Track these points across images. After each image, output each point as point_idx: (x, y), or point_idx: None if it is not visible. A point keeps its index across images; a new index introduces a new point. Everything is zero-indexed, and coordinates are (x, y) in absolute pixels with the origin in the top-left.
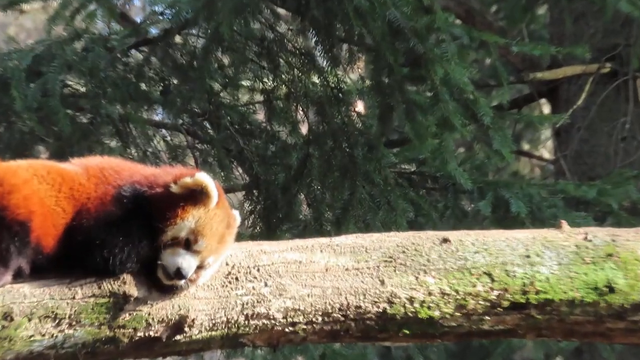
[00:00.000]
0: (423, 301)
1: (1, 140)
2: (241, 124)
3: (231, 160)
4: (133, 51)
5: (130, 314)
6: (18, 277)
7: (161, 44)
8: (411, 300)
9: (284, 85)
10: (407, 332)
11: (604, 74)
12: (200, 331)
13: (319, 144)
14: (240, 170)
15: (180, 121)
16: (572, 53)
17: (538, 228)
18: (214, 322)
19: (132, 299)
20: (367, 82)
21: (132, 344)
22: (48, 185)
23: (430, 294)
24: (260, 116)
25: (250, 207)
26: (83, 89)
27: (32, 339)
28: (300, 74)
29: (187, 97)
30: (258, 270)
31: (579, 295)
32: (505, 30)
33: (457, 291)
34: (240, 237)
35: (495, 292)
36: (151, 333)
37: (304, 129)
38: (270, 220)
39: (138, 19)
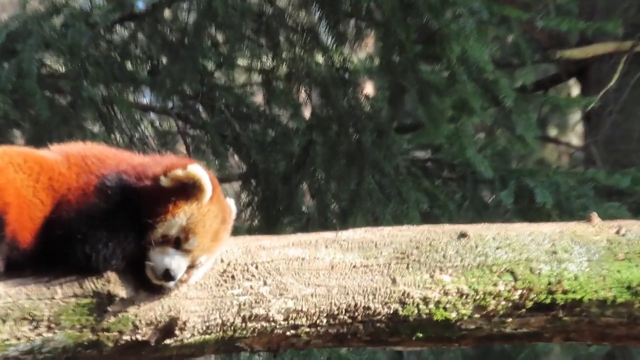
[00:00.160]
0: (439, 301)
1: None
2: (237, 107)
3: (226, 147)
4: (118, 27)
5: (115, 316)
6: None
7: (149, 19)
8: (425, 300)
9: (284, 65)
10: (421, 335)
11: (639, 52)
12: (193, 334)
13: (323, 129)
14: (237, 158)
15: (170, 104)
16: (603, 29)
17: (566, 221)
18: (207, 324)
19: (117, 299)
20: (376, 61)
21: (118, 348)
22: (25, 175)
23: (446, 293)
24: (259, 99)
25: (247, 199)
26: (62, 69)
27: (6, 343)
28: (302, 53)
29: (177, 78)
30: (256, 267)
31: (611, 294)
32: (529, 4)
33: (476, 290)
34: (237, 231)
35: (519, 292)
36: (138, 336)
37: (306, 113)
38: (269, 212)
39: None
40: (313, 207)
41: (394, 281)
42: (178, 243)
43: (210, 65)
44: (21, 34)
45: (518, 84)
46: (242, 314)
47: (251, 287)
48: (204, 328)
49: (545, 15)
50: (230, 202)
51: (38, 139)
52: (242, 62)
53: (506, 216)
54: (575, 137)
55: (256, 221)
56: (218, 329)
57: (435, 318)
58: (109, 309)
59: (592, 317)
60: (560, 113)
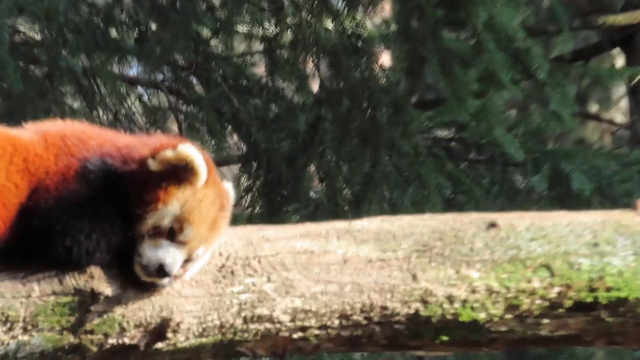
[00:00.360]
0: (465, 300)
1: None
2: (236, 80)
3: (224, 124)
4: None
5: (99, 316)
6: None
7: None
8: (450, 299)
9: (289, 31)
10: (446, 338)
11: None
12: (187, 337)
13: (332, 104)
14: (236, 138)
15: (160, 76)
16: None
17: (608, 209)
18: (204, 326)
19: (101, 297)
20: (393, 27)
21: (102, 353)
22: None
23: (474, 291)
24: (260, 70)
25: (248, 183)
26: (38, 36)
27: None
28: (309, 17)
29: (168, 47)
30: (259, 261)
31: None
32: None
33: (507, 288)
34: (236, 220)
35: (556, 289)
36: (126, 340)
37: (314, 86)
38: (272, 199)
39: None
40: (322, 192)
41: (414, 277)
42: (172, 234)
43: (205, 32)
44: None
45: (553, 54)
46: (243, 315)
47: (253, 284)
48: (200, 330)
49: None
50: (228, 186)
51: (10, 116)
52: (241, 28)
53: (540, 204)
54: (619, 114)
55: (257, 209)
56: (216, 331)
57: (461, 319)
58: (93, 308)
59: (639, 318)
60: (602, 86)
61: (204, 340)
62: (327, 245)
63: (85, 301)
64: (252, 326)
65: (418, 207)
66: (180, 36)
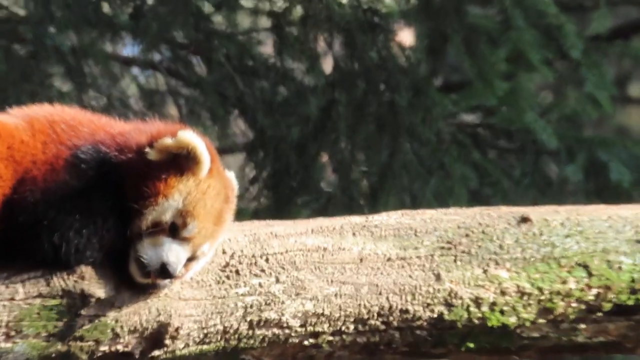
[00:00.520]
0: (494, 303)
1: None
2: (241, 60)
3: (228, 109)
4: None
5: (90, 321)
6: None
7: None
8: (477, 301)
9: (299, 6)
10: (472, 345)
11: None
12: (187, 344)
13: (347, 86)
14: (241, 124)
15: (158, 56)
16: None
17: None
18: (205, 331)
19: (93, 300)
20: (413, 1)
21: None
22: None
23: (503, 293)
24: (267, 48)
25: (253, 174)
26: (22, 12)
27: None
28: None
29: (166, 23)
30: (267, 260)
31: None
32: None
33: (540, 289)
34: (240, 215)
35: (594, 291)
36: (119, 347)
37: (326, 66)
38: (281, 191)
39: None
40: (335, 184)
41: (438, 277)
42: (174, 230)
43: (206, 7)
44: None
45: (589, 32)
46: (248, 319)
47: (260, 285)
48: (202, 336)
49: None
50: (231, 175)
51: None
52: (246, 2)
53: (576, 196)
54: None
55: (264, 202)
56: (219, 337)
57: (489, 324)
58: (83, 312)
59: None
60: None
61: (205, 347)
62: (341, 242)
63: (75, 304)
64: (258, 332)
65: (441, 200)
66: (179, 11)
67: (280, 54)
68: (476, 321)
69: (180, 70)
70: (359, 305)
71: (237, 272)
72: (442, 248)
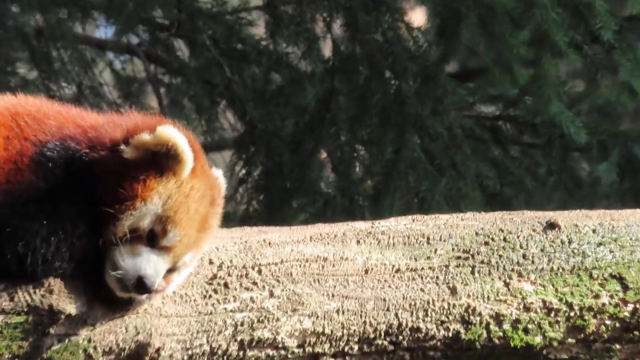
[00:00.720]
0: (517, 320)
1: None
2: (229, 43)
3: (215, 99)
4: None
5: (60, 341)
6: None
7: None
8: (498, 318)
9: None
10: None
11: None
12: None
13: (348, 72)
14: (230, 116)
15: (135, 39)
16: None
17: None
18: (190, 352)
19: (62, 316)
20: None
21: None
22: None
23: (528, 309)
24: (259, 30)
25: (243, 173)
26: None
27: None
28: None
29: (143, 1)
30: (259, 272)
31: None
32: None
33: (569, 305)
34: (228, 220)
35: (630, 306)
36: None
37: (325, 50)
38: (273, 192)
39: None
40: (334, 184)
41: (453, 291)
42: (153, 238)
43: None
44: None
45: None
46: (239, 338)
47: (252, 300)
48: (186, 358)
49: None
50: (218, 175)
51: None
52: None
53: (609, 199)
54: None
55: (255, 205)
56: (205, 359)
57: (512, 344)
58: (52, 330)
59: None
60: None
61: None
62: (344, 251)
63: (42, 322)
64: (250, 353)
65: (453, 203)
66: None
67: (273, 36)
68: (497, 341)
69: (160, 54)
70: (364, 322)
71: (225, 285)
72: (458, 258)
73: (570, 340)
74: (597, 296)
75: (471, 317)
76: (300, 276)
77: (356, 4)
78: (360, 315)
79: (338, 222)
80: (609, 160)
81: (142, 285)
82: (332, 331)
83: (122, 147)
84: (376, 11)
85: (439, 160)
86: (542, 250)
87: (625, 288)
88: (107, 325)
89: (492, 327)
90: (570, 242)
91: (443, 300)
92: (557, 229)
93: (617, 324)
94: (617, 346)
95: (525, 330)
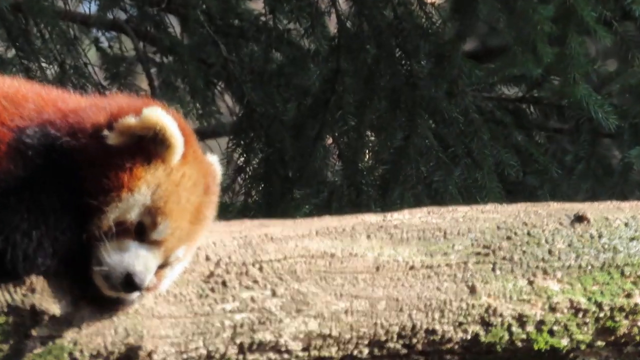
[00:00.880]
0: (542, 321)
1: None
2: (225, 19)
3: (211, 80)
4: None
5: (43, 344)
6: None
7: None
8: (521, 319)
9: None
10: None
11: None
12: None
13: (355, 51)
14: (227, 99)
15: (123, 14)
16: None
17: None
18: (185, 356)
19: (46, 317)
20: None
21: None
22: None
23: (553, 309)
24: (258, 4)
25: (241, 161)
26: None
27: None
28: None
29: None
30: (260, 269)
31: None
32: None
33: (599, 305)
34: (226, 212)
35: None
36: None
37: (330, 27)
38: (273, 181)
39: None
40: (339, 173)
41: (472, 290)
42: (141, 232)
43: None
44: None
45: None
46: (238, 341)
47: (252, 300)
48: None
49: None
50: (213, 160)
51: None
52: None
53: None
54: None
55: (254, 195)
56: None
57: (536, 347)
58: (34, 332)
59: None
60: None
61: None
62: (353, 246)
63: (24, 323)
64: (251, 357)
65: (468, 194)
66: None
67: (273, 11)
68: (519, 344)
69: (150, 31)
70: (375, 324)
71: (223, 283)
72: (478, 254)
73: (599, 343)
74: (629, 295)
75: (492, 318)
76: (305, 274)
77: None
78: (371, 316)
79: (345, 215)
80: None
81: (131, 283)
82: (339, 333)
83: (106, 132)
84: None
85: (453, 147)
86: (569, 245)
87: None
88: (94, 327)
89: (515, 329)
90: (600, 236)
91: (461, 300)
92: (585, 222)
93: None
94: None
95: (551, 333)
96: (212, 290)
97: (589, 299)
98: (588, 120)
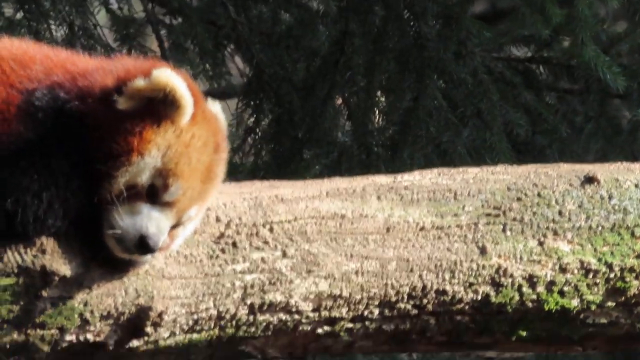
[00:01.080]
0: (552, 282)
1: None
2: None
3: (220, 42)
4: None
5: (53, 305)
6: None
7: None
8: (532, 280)
9: None
10: (525, 334)
11: None
12: (173, 332)
13: (363, 13)
14: (238, 61)
15: None
16: None
17: None
18: (196, 317)
19: (56, 278)
20: None
21: (57, 353)
22: None
23: (564, 270)
24: None
25: (251, 122)
26: None
27: None
28: None
29: None
30: (271, 230)
31: None
32: None
33: (609, 265)
34: (236, 173)
35: None
36: (89, 336)
37: None
38: (283, 142)
39: None
40: (349, 133)
41: (483, 251)
42: (153, 194)
43: None
44: None
45: None
46: (249, 302)
47: (263, 261)
48: (191, 323)
49: None
50: (219, 116)
51: None
52: None
53: None
54: None
55: (264, 156)
56: (212, 324)
57: (546, 307)
58: (45, 293)
59: None
60: None
61: (195, 336)
62: (363, 207)
63: (34, 284)
64: (261, 317)
65: (477, 155)
66: None
67: None
68: (530, 304)
69: None
70: (386, 284)
71: (234, 244)
72: (488, 215)
73: (609, 303)
74: (639, 256)
75: (502, 279)
76: (316, 235)
77: None
78: (381, 277)
79: (355, 175)
80: None
81: (144, 245)
82: (350, 294)
83: (115, 97)
84: None
85: (462, 108)
86: (579, 206)
87: None
88: (104, 288)
89: (525, 289)
90: (610, 197)
91: (471, 260)
92: (596, 183)
93: None
94: None
95: (561, 293)
96: (223, 251)
97: (599, 260)
98: (597, 80)
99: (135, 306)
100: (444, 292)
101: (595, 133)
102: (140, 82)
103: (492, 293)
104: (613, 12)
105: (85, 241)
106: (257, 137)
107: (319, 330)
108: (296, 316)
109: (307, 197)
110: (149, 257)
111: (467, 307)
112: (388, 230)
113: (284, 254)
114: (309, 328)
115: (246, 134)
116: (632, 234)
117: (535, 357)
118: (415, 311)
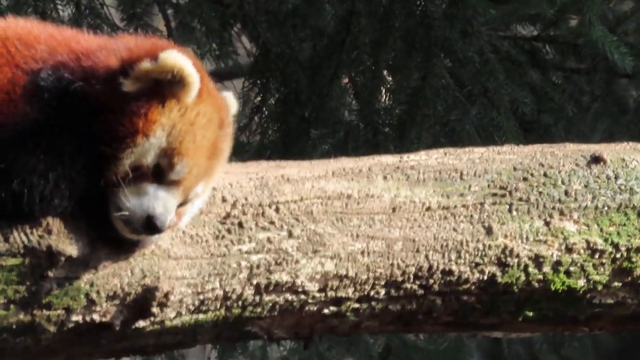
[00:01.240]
0: (558, 262)
1: None
2: None
3: (227, 21)
4: None
5: (59, 285)
6: None
7: None
8: (538, 260)
9: None
10: (531, 314)
11: None
12: (180, 313)
13: None
14: (245, 40)
15: None
16: None
17: None
18: (202, 297)
19: (62, 258)
20: None
21: (63, 334)
22: None
23: (570, 250)
24: None
25: (258, 101)
26: None
27: None
28: None
29: None
30: (277, 210)
31: None
32: None
33: (616, 245)
34: (243, 152)
35: None
36: (95, 316)
37: None
38: (290, 121)
39: None
40: (356, 113)
41: (489, 231)
42: (159, 174)
43: None
44: None
45: None
46: (254, 282)
47: (269, 241)
48: (197, 303)
49: None
50: (227, 95)
51: None
52: None
53: None
54: None
55: (270, 135)
56: (218, 304)
57: (552, 287)
58: (51, 273)
59: None
60: None
61: (201, 316)
62: (369, 187)
63: (40, 264)
64: (267, 298)
65: (485, 134)
66: None
67: None
68: (536, 284)
69: None
70: (392, 265)
71: (240, 224)
72: (495, 195)
73: (616, 283)
74: None
75: (508, 259)
76: (322, 215)
77: None
78: (388, 257)
79: (362, 156)
80: None
81: (152, 225)
82: (356, 274)
83: (121, 79)
84: None
85: (469, 87)
86: (585, 186)
87: None
88: (110, 268)
89: (531, 269)
90: (616, 177)
91: (478, 240)
92: (602, 163)
93: None
94: None
95: (567, 273)
96: (229, 231)
97: (606, 240)
98: (604, 59)
99: (141, 286)
100: (450, 272)
101: (601, 112)
102: (147, 65)
103: (499, 273)
104: None
105: (92, 221)
106: (263, 116)
107: (325, 311)
108: (302, 296)
109: (314, 177)
110: (156, 237)
111: (473, 287)
112: (394, 210)
113: (290, 234)
114: (315, 308)
115: (253, 113)
116: (639, 214)
117: (541, 337)
118: (421, 291)
